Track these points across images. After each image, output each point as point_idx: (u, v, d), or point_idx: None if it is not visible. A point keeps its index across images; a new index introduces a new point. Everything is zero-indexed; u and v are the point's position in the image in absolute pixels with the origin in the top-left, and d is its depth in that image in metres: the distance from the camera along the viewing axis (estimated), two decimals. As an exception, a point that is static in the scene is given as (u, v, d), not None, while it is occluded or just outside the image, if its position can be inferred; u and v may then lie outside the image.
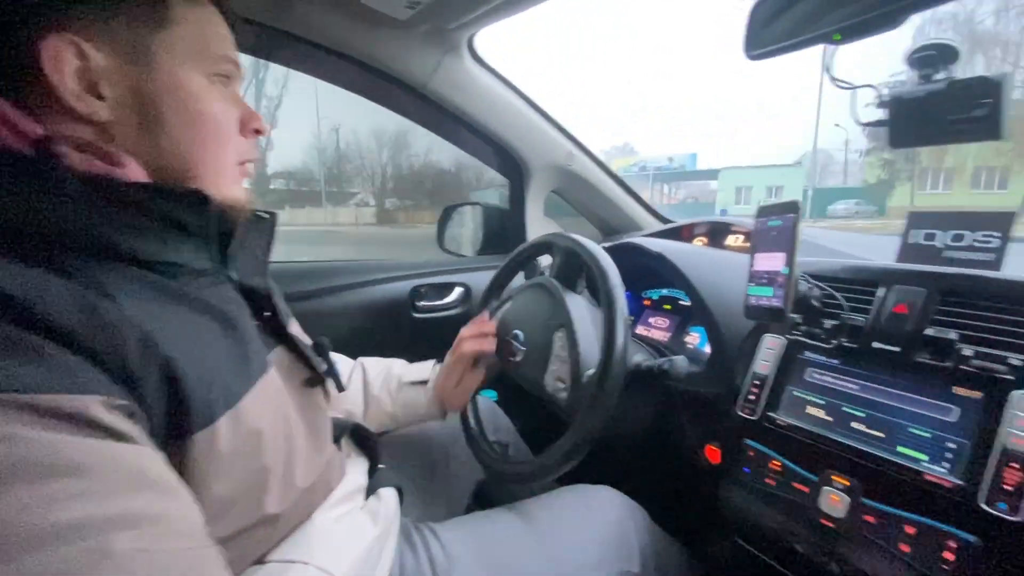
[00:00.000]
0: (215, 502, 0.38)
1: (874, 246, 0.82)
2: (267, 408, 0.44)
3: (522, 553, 0.65)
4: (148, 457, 0.32)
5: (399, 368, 0.85)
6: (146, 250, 0.39)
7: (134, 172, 0.40)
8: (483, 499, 0.91)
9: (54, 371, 0.30)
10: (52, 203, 0.35)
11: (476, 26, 0.89)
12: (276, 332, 0.52)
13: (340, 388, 0.61)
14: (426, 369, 0.84)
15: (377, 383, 0.82)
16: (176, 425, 0.36)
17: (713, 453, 0.74)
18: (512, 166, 1.24)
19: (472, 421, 0.85)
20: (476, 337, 0.81)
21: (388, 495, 0.63)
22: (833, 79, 0.68)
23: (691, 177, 25.46)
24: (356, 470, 0.63)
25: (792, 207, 0.63)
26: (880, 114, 0.67)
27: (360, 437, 0.69)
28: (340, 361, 0.82)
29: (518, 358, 0.76)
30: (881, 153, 19.88)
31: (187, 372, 0.37)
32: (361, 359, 0.85)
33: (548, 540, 0.67)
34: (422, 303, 1.19)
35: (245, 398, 0.41)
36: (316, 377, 0.54)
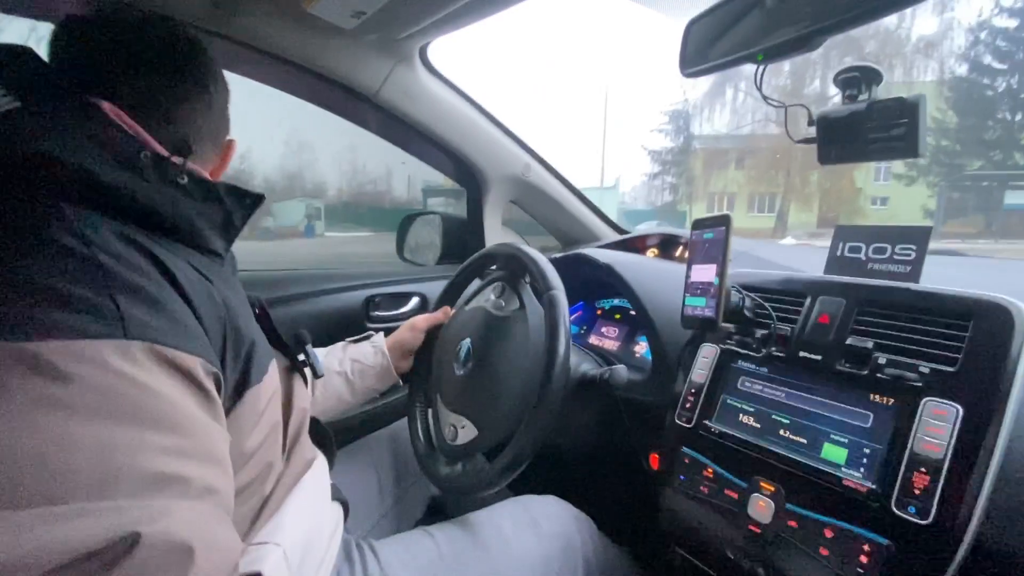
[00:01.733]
0: (242, 454, 0.43)
1: (809, 259, 0.85)
2: (275, 374, 0.51)
3: (464, 569, 0.64)
4: (223, 433, 0.37)
5: (340, 342, 0.88)
6: (210, 239, 0.46)
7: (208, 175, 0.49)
8: (437, 515, 0.90)
9: (178, 328, 0.35)
10: (172, 195, 0.42)
11: (427, 36, 0.89)
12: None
13: (316, 375, 0.69)
14: (368, 334, 0.89)
15: (322, 352, 0.83)
16: (237, 385, 0.42)
17: (655, 460, 0.75)
18: (469, 176, 1.25)
19: (419, 426, 0.85)
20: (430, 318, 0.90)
21: (334, 508, 0.63)
22: (765, 98, 0.71)
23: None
24: (319, 465, 0.62)
25: (723, 220, 0.65)
26: (811, 132, 0.70)
27: (318, 436, 0.67)
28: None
29: (460, 372, 0.75)
30: (666, 177, 21.94)
31: (245, 337, 0.44)
32: None
33: (491, 554, 0.66)
34: (376, 313, 1.17)
35: (271, 360, 0.49)
36: (295, 365, 0.59)
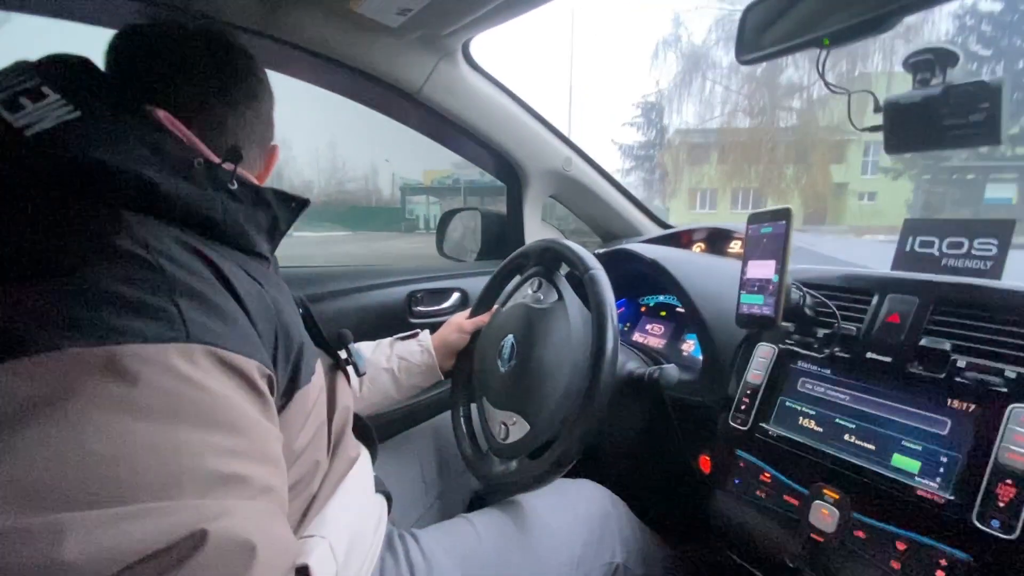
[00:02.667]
0: (292, 453, 0.44)
1: (866, 253, 0.80)
2: (321, 374, 0.51)
3: (505, 555, 0.65)
4: (277, 434, 0.38)
5: (388, 338, 0.89)
6: (258, 242, 0.47)
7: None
8: (479, 508, 0.90)
9: (236, 332, 0.36)
10: (223, 201, 0.43)
11: (470, 32, 0.89)
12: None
13: (359, 373, 0.69)
14: (415, 332, 0.90)
15: (369, 348, 0.85)
16: (287, 386, 0.43)
17: (706, 463, 0.73)
18: (509, 172, 1.24)
19: (464, 428, 0.85)
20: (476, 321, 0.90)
21: (378, 501, 0.63)
22: (827, 83, 0.67)
23: (500, 192, 24.93)
24: (363, 461, 0.63)
25: (784, 214, 0.62)
26: (877, 119, 0.66)
27: (360, 431, 0.69)
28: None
29: (504, 369, 0.75)
30: (639, 173, 21.13)
31: (295, 340, 0.44)
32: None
33: (531, 538, 0.67)
34: (419, 308, 1.18)
35: (317, 361, 0.50)
36: (339, 363, 0.60)
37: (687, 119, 18.77)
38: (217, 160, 0.44)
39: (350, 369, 0.67)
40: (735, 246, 1.08)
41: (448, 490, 0.89)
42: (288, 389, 0.43)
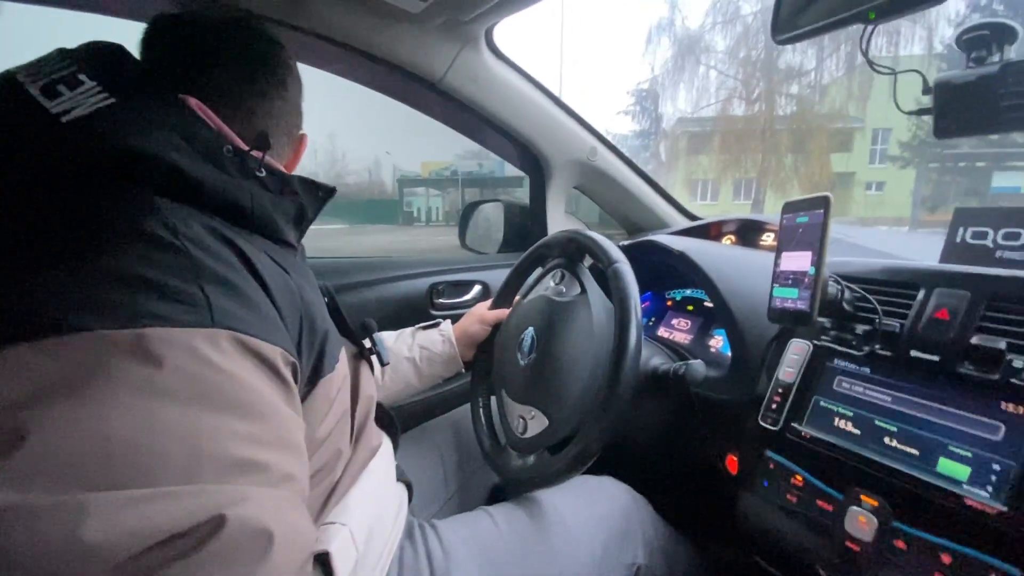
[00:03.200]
0: (314, 441, 0.44)
1: (915, 245, 0.76)
2: (345, 363, 0.51)
3: (523, 550, 0.64)
4: (300, 422, 0.38)
5: (409, 328, 0.89)
6: (285, 230, 0.47)
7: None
8: (497, 502, 0.89)
9: (261, 319, 0.36)
10: (251, 188, 0.43)
11: (493, 17, 0.86)
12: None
13: (383, 363, 0.69)
14: (436, 322, 0.89)
15: (391, 337, 0.86)
16: (311, 374, 0.43)
17: (732, 463, 0.70)
18: (532, 162, 1.21)
19: (483, 421, 0.84)
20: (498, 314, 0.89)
21: (399, 490, 0.63)
22: (871, 63, 0.63)
23: (497, 183, 24.20)
24: (385, 450, 0.63)
25: (822, 202, 0.58)
26: (925, 101, 0.62)
27: (381, 420, 0.69)
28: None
29: (523, 363, 0.73)
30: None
31: (319, 328, 0.44)
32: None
33: (550, 533, 0.66)
34: (440, 300, 1.18)
35: (342, 349, 0.50)
36: (362, 352, 0.60)
37: (682, 106, 18.18)
38: (246, 147, 0.44)
39: (373, 359, 0.67)
40: (768, 238, 1.03)
41: (468, 483, 0.88)
42: (312, 377, 0.43)
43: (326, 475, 0.48)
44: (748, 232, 1.08)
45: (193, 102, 0.43)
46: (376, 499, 0.55)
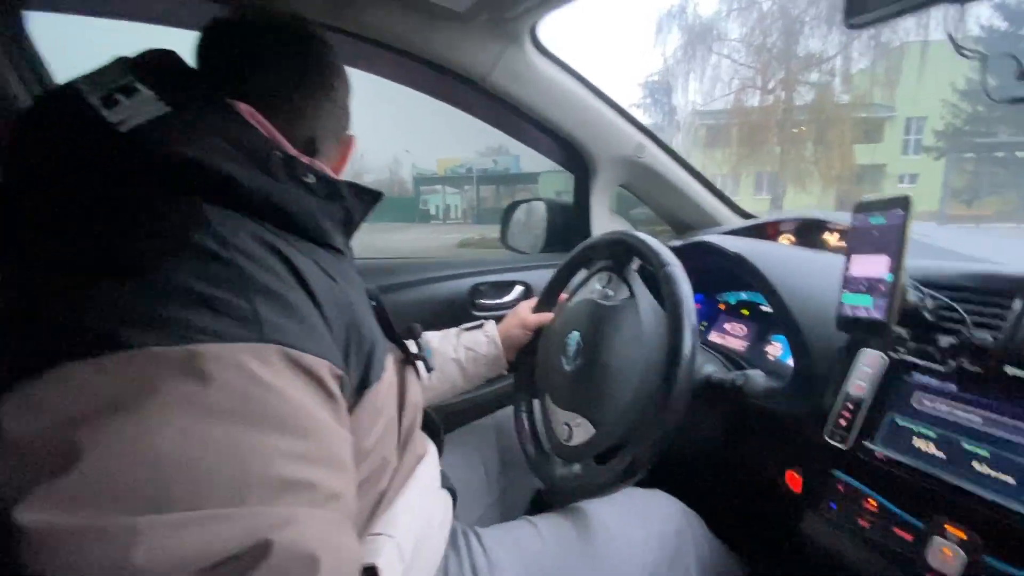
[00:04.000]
0: (361, 452, 0.43)
1: (1002, 246, 0.68)
2: (392, 370, 0.50)
3: (569, 562, 0.62)
4: (347, 437, 0.37)
5: (454, 328, 0.89)
6: (333, 236, 0.46)
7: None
8: (541, 506, 0.88)
9: (309, 331, 0.36)
10: (299, 194, 0.42)
11: (538, 14, 0.84)
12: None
13: (428, 368, 0.66)
14: (479, 322, 0.89)
15: (436, 337, 0.86)
16: (358, 384, 0.42)
17: (794, 480, 0.66)
18: (577, 160, 1.19)
19: (527, 427, 0.82)
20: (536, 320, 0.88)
21: (443, 497, 0.63)
22: (958, 48, 0.57)
23: (513, 180, 23.54)
24: (430, 458, 0.63)
25: (901, 203, 0.53)
26: (1020, 89, 0.56)
27: (427, 426, 0.69)
28: None
29: (569, 368, 0.71)
30: None
31: (366, 337, 0.43)
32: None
33: (596, 547, 0.64)
34: (482, 301, 1.17)
35: (388, 357, 0.49)
36: (408, 358, 0.59)
37: (695, 98, 17.45)
38: (294, 152, 0.44)
39: (419, 364, 0.67)
40: (831, 238, 0.96)
41: (510, 488, 0.87)
42: (359, 387, 0.42)
43: (372, 485, 0.48)
44: (808, 231, 1.01)
45: (244, 107, 0.43)
46: (422, 508, 0.54)
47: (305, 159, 0.44)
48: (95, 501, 0.26)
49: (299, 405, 0.33)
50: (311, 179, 0.44)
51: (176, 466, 0.27)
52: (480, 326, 0.88)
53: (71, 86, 0.40)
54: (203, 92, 0.42)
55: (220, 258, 0.34)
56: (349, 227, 0.49)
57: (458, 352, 0.84)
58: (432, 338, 0.85)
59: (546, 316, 0.87)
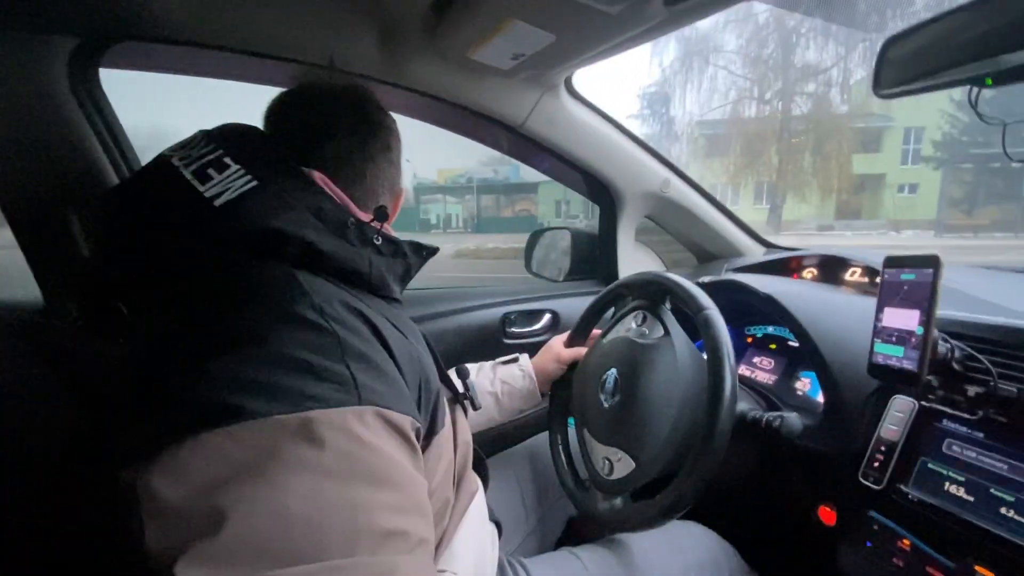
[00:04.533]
0: (429, 495, 0.45)
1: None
2: (448, 414, 0.53)
3: None
4: (425, 484, 0.39)
5: (489, 362, 0.92)
6: (395, 290, 0.50)
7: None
8: (574, 536, 0.91)
9: (395, 390, 0.39)
10: (369, 256, 0.46)
11: (575, 68, 0.90)
12: None
13: (475, 407, 0.69)
14: (513, 356, 0.92)
15: (472, 371, 0.87)
16: (427, 433, 0.45)
17: (828, 515, 0.69)
18: (604, 194, 1.23)
19: (563, 459, 0.86)
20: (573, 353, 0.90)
21: (491, 529, 0.66)
22: (980, 115, 0.61)
23: (513, 190, 23.76)
24: (479, 492, 0.65)
25: (931, 262, 0.57)
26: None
27: (475, 460, 0.72)
28: None
29: (607, 404, 0.75)
30: None
31: (433, 388, 0.46)
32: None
33: None
34: (512, 329, 1.21)
35: (444, 401, 0.51)
36: (457, 397, 0.62)
37: (692, 109, 17.65)
38: (366, 219, 0.48)
39: (467, 403, 0.70)
40: (853, 275, 1.00)
41: (547, 516, 0.90)
42: (428, 435, 0.45)
43: (437, 523, 0.51)
44: (830, 268, 1.05)
45: (318, 176, 0.47)
46: (476, 542, 0.57)
47: (376, 224, 0.48)
48: (244, 558, 0.29)
49: (394, 461, 0.36)
50: (379, 241, 0.48)
51: (300, 523, 0.31)
52: (515, 360, 0.91)
53: (164, 160, 0.44)
54: (281, 163, 0.46)
55: (321, 328, 0.37)
56: (406, 279, 0.53)
57: (494, 386, 0.87)
58: (470, 371, 0.89)
59: (580, 351, 0.91)
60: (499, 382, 0.88)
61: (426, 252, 0.54)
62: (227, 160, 0.43)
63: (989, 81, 0.51)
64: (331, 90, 0.54)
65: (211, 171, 0.42)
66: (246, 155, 0.44)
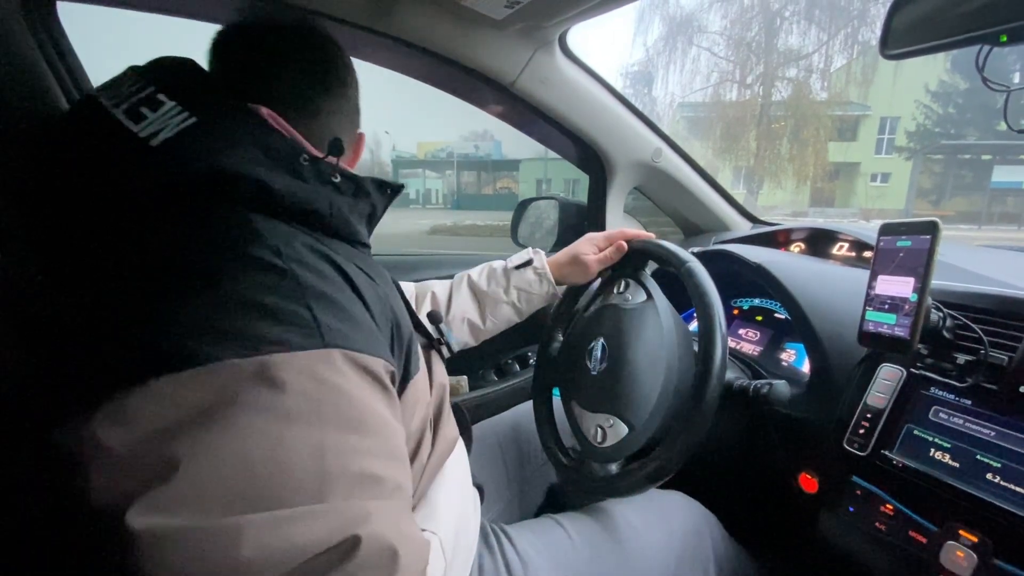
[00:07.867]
0: (406, 438, 0.44)
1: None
2: (422, 358, 0.52)
3: (597, 563, 0.65)
4: (401, 430, 0.38)
5: (498, 263, 0.87)
6: (361, 233, 0.47)
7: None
8: (555, 503, 0.91)
9: (364, 333, 0.37)
10: (328, 195, 0.43)
11: (571, 22, 0.86)
12: None
13: (451, 351, 0.66)
14: (525, 254, 0.86)
15: (483, 281, 0.85)
16: (402, 377, 0.44)
17: (808, 482, 0.70)
18: (594, 162, 1.20)
19: (547, 425, 0.85)
20: (601, 257, 0.83)
21: (474, 493, 0.64)
22: (986, 80, 0.60)
23: (494, 167, 23.61)
24: (461, 453, 0.64)
25: (929, 228, 0.56)
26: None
27: (459, 421, 0.68)
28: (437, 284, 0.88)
29: (595, 372, 0.74)
30: None
31: (404, 331, 0.44)
32: (462, 274, 0.88)
33: (623, 547, 0.67)
34: None
35: (418, 345, 0.49)
36: (432, 343, 0.60)
37: (673, 90, 17.56)
38: (320, 155, 0.44)
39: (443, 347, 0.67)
40: (840, 249, 1.00)
41: (528, 483, 0.90)
42: (403, 380, 0.44)
43: (414, 464, 0.49)
44: (818, 241, 1.05)
45: (265, 112, 0.44)
46: (458, 503, 0.56)
47: (331, 160, 0.45)
48: (199, 505, 0.28)
49: (365, 404, 0.35)
50: (338, 179, 0.45)
51: (263, 468, 0.29)
52: (528, 263, 0.85)
53: (91, 98, 0.40)
54: (223, 99, 0.42)
55: (279, 269, 0.35)
56: (372, 222, 0.50)
57: (511, 295, 0.84)
58: (479, 280, 0.85)
59: (611, 256, 0.83)
60: (515, 291, 0.84)
61: (391, 190, 0.51)
62: (161, 97, 0.39)
63: (1004, 38, 0.49)
64: (279, 25, 0.49)
65: (144, 110, 0.39)
66: (182, 91, 0.40)
